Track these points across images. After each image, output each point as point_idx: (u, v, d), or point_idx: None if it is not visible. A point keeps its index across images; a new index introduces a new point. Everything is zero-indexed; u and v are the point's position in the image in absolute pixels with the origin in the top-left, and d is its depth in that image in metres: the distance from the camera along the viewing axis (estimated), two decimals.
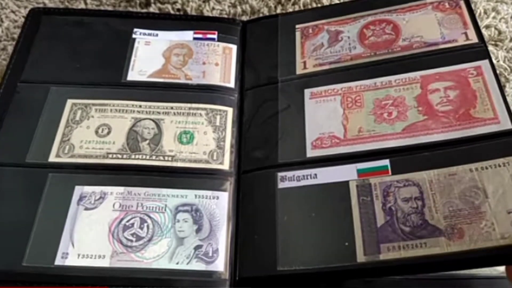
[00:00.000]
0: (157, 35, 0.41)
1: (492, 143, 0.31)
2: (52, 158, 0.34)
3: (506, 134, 0.31)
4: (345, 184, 0.31)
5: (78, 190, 0.32)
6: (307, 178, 0.32)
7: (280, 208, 0.32)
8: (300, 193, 0.32)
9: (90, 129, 0.35)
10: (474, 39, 0.36)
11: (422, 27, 0.38)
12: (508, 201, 0.28)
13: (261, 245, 0.31)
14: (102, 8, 0.47)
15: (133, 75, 0.38)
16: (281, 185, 0.33)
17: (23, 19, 0.47)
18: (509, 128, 0.31)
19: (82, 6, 0.47)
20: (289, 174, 0.33)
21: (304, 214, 0.31)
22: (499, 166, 0.29)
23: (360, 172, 0.32)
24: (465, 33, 0.37)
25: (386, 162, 0.32)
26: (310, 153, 0.34)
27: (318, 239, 0.30)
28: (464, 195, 0.29)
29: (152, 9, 0.47)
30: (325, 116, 0.35)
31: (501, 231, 0.27)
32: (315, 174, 0.32)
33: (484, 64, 0.34)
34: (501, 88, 0.33)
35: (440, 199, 0.29)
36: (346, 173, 0.32)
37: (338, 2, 0.47)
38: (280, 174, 0.33)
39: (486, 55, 0.35)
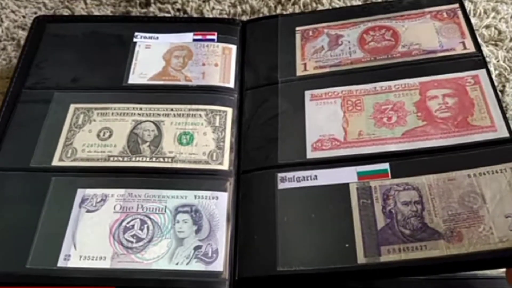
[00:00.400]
0: (157, 38, 0.41)
1: (490, 150, 0.31)
2: (55, 162, 0.34)
3: (503, 142, 0.32)
4: (345, 186, 0.32)
5: (80, 193, 0.33)
6: (307, 179, 0.33)
7: (280, 208, 0.32)
8: (300, 194, 0.32)
9: (92, 133, 0.36)
10: (471, 48, 0.37)
11: (421, 35, 0.38)
12: (505, 206, 0.29)
13: (260, 245, 0.31)
14: (102, 7, 0.47)
15: (134, 79, 0.39)
16: (281, 185, 0.33)
17: (23, 19, 0.47)
18: (505, 136, 0.32)
19: (82, 5, 0.47)
20: (289, 175, 0.33)
21: (304, 215, 0.31)
22: (497, 172, 0.30)
23: (360, 175, 0.32)
24: (463, 43, 0.37)
25: (386, 165, 0.32)
26: (310, 154, 0.34)
27: (318, 240, 0.30)
28: (463, 200, 0.29)
29: (152, 9, 0.47)
30: (325, 118, 0.35)
31: (499, 235, 0.28)
32: (315, 176, 0.33)
33: (481, 73, 0.35)
34: (498, 97, 0.34)
35: (439, 203, 0.30)
36: (346, 175, 0.32)
37: (338, 3, 0.47)
38: (280, 174, 0.33)
39: (483, 64, 0.36)
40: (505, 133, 0.32)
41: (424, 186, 0.30)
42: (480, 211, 0.29)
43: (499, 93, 0.41)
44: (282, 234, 0.31)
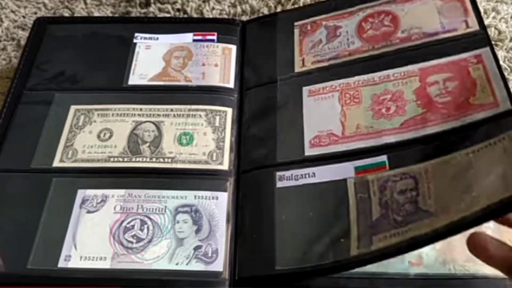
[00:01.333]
0: (157, 38, 0.41)
1: (490, 125, 0.30)
2: (56, 163, 0.34)
3: (505, 114, 0.30)
4: (343, 182, 0.31)
5: (81, 193, 0.33)
6: (305, 177, 0.32)
7: (278, 207, 0.32)
8: (298, 192, 0.32)
9: (92, 134, 0.36)
10: (474, 26, 0.35)
11: (422, 17, 0.37)
12: (495, 169, 0.27)
13: (259, 245, 0.31)
14: (102, 7, 0.47)
15: (134, 79, 0.39)
16: (279, 184, 0.33)
17: (23, 19, 0.47)
18: (507, 109, 0.30)
19: (82, 6, 0.47)
20: (287, 173, 0.33)
21: (302, 213, 0.31)
22: (494, 143, 0.28)
23: (358, 170, 0.32)
24: (466, 21, 0.35)
25: (383, 158, 0.31)
26: (309, 151, 0.33)
27: (315, 237, 0.30)
28: (458, 178, 0.28)
29: (152, 9, 0.46)
30: (323, 114, 0.35)
31: (488, 193, 0.26)
32: (313, 173, 0.32)
33: (484, 52, 0.33)
34: (502, 73, 0.32)
35: (433, 185, 0.29)
36: (344, 171, 0.32)
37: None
38: (278, 173, 0.33)
39: (487, 42, 0.33)
40: (507, 106, 0.30)
41: (421, 173, 0.30)
42: (472, 182, 0.28)
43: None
44: (280, 233, 0.31)
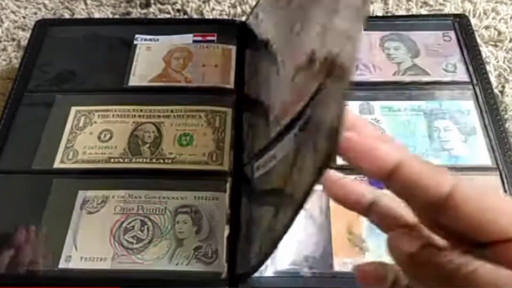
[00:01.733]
0: (157, 40, 0.41)
1: None
2: (56, 164, 0.35)
3: None
4: (288, 155, 0.28)
5: (82, 194, 0.33)
6: (271, 160, 0.30)
7: (254, 198, 0.31)
8: (267, 177, 0.31)
9: (93, 135, 0.36)
10: None
11: None
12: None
13: (244, 243, 0.31)
14: (102, 8, 0.47)
15: (134, 80, 0.39)
16: (256, 174, 0.32)
17: (23, 19, 0.47)
18: None
19: (82, 6, 0.47)
20: (262, 160, 0.31)
21: (265, 200, 0.30)
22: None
23: (297, 137, 0.27)
24: None
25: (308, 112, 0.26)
26: (272, 131, 0.30)
27: (272, 221, 0.27)
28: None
29: (152, 9, 0.47)
30: (282, 86, 0.32)
31: None
32: (274, 155, 0.30)
33: None
34: None
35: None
36: (289, 142, 0.28)
37: None
38: (256, 163, 0.32)
39: None
40: None
41: None
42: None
43: (499, 94, 0.41)
44: (255, 227, 0.30)
